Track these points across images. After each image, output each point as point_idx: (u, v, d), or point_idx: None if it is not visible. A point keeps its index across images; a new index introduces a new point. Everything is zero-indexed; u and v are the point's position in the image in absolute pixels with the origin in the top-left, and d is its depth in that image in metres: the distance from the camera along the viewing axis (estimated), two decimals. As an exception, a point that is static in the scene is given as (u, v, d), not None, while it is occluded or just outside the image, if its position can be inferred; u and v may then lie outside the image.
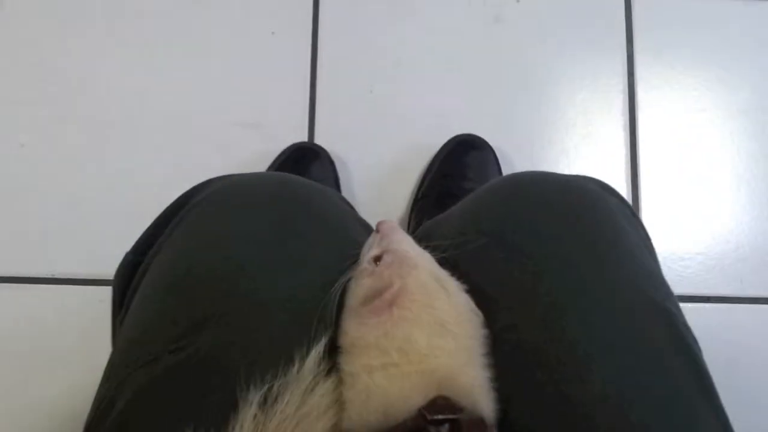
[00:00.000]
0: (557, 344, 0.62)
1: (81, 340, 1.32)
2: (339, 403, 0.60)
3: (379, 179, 1.43)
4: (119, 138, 1.43)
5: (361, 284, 0.67)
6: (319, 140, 1.42)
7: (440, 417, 0.54)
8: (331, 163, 1.39)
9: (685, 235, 1.45)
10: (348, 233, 0.78)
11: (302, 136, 1.42)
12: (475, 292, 0.69)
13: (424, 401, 0.56)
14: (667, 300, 0.68)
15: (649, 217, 1.42)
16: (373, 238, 0.74)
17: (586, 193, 0.75)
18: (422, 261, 0.69)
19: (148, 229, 0.78)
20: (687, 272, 1.42)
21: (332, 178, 1.36)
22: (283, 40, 1.45)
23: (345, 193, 1.39)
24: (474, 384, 0.61)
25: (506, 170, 1.41)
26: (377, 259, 0.69)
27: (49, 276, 1.38)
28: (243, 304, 0.64)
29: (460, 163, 1.35)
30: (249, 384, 0.57)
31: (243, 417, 0.56)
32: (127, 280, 0.75)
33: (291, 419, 0.57)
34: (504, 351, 0.65)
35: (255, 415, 0.56)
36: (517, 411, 0.61)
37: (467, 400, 0.57)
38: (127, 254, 0.78)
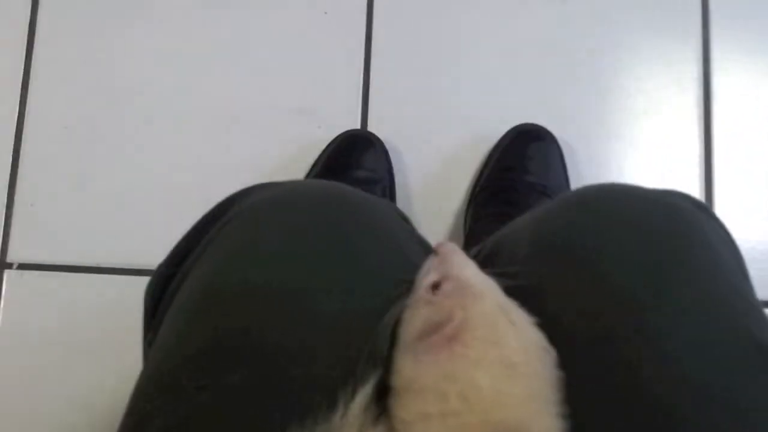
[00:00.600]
0: (642, 395, 0.56)
1: (119, 331, 1.28)
2: None
3: (435, 171, 1.38)
4: (167, 129, 1.42)
5: (417, 315, 0.60)
6: (373, 128, 1.38)
7: None
8: (385, 152, 1.34)
9: (762, 234, 1.34)
10: (404, 254, 0.71)
11: (355, 123, 1.39)
12: (546, 326, 0.61)
13: None
14: None
15: (721, 213, 1.32)
16: (431, 262, 0.66)
17: (682, 214, 0.67)
18: (487, 290, 0.62)
19: (182, 240, 0.73)
20: (762, 274, 1.32)
21: (385, 169, 1.33)
22: (337, 20, 1.41)
23: (399, 184, 1.35)
24: None
25: (570, 164, 1.34)
26: (436, 287, 0.61)
27: (91, 265, 1.36)
28: (281, 335, 0.59)
29: (522, 155, 1.30)
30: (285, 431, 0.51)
31: None
32: (159, 294, 0.71)
33: None
34: (581, 397, 0.58)
35: None
36: None
37: None
38: (160, 266, 0.73)
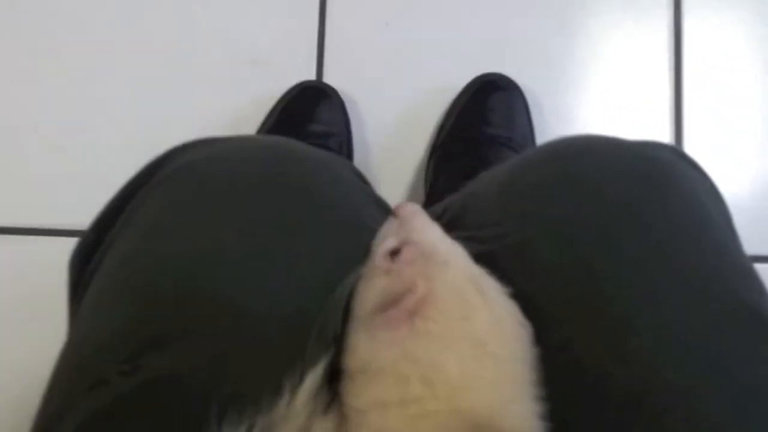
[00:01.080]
0: (627, 369, 0.50)
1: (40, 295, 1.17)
2: None
3: (394, 124, 1.30)
4: (112, 81, 1.31)
5: (373, 286, 0.53)
6: (329, 79, 1.29)
7: None
8: (342, 105, 1.26)
9: (733, 186, 1.28)
10: (359, 218, 0.63)
11: (310, 75, 1.29)
12: (520, 297, 0.55)
13: None
14: (762, 299, 0.55)
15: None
16: (389, 226, 0.58)
17: (664, 168, 0.60)
18: (453, 257, 0.55)
19: (109, 203, 0.64)
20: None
21: (342, 122, 1.25)
22: (289, -35, 1.32)
23: (356, 138, 1.27)
24: (522, 427, 0.48)
25: (536, 115, 1.27)
26: (395, 254, 0.53)
27: (30, 227, 1.27)
28: (217, 314, 0.51)
29: (484, 106, 1.22)
30: (221, 423, 0.46)
31: None
32: (83, 264, 0.62)
33: None
34: (559, 377, 0.52)
35: None
36: None
37: None
38: (88, 231, 0.64)
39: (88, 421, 0.48)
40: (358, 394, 0.49)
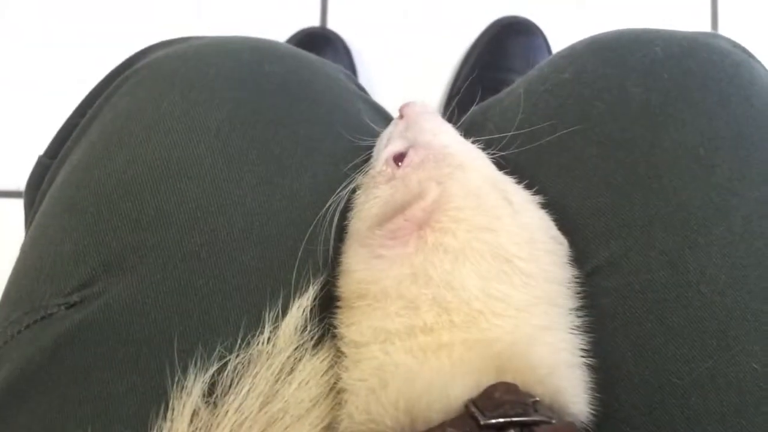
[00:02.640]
0: (694, 294, 0.41)
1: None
2: (334, 395, 0.40)
3: (405, 74, 1.21)
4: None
5: (374, 195, 0.45)
6: (333, 25, 1.21)
7: (501, 420, 0.33)
8: (348, 53, 1.18)
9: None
10: (355, 118, 0.54)
11: (313, 20, 1.21)
12: (554, 207, 0.46)
13: (476, 391, 0.36)
14: None
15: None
16: (393, 127, 0.48)
17: (723, 56, 0.50)
18: (471, 159, 0.45)
19: (71, 115, 0.56)
20: None
21: (348, 69, 1.12)
22: None
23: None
24: (557, 361, 0.39)
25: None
26: (400, 158, 0.44)
27: None
28: (183, 234, 0.43)
29: (504, 52, 1.14)
30: (186, 362, 0.39)
31: (175, 417, 0.37)
32: (37, 183, 0.54)
33: (253, 421, 0.37)
34: (604, 304, 0.43)
35: (195, 414, 0.38)
36: (628, 405, 0.41)
37: (545, 388, 0.37)
38: (41, 157, 0.56)
39: (28, 362, 0.41)
40: (357, 325, 0.41)
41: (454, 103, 1.10)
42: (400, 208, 0.41)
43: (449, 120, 1.07)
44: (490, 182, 0.43)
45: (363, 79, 1.18)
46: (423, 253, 0.39)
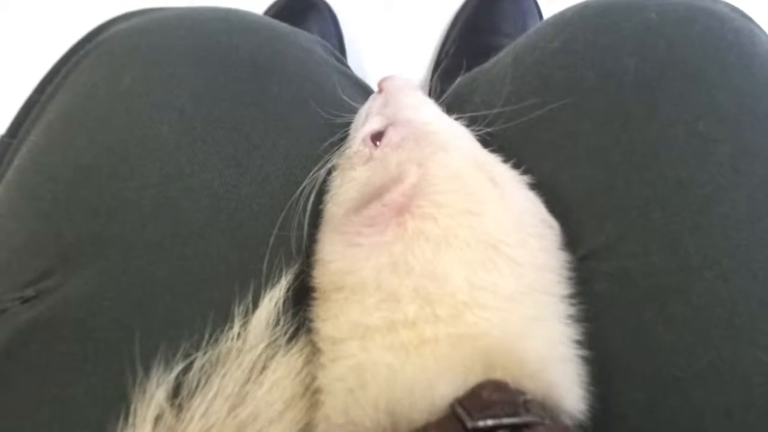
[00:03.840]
0: (695, 279, 0.38)
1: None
2: (309, 395, 0.37)
3: (391, 37, 1.17)
4: None
5: (350, 178, 0.42)
6: None
7: (490, 422, 0.31)
8: (334, 17, 1.13)
9: None
10: (330, 93, 0.50)
11: None
12: (544, 188, 0.43)
13: (462, 390, 0.33)
14: None
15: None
16: (372, 103, 0.45)
17: (722, 22, 0.47)
18: (453, 138, 0.42)
19: (31, 93, 0.52)
20: None
21: (335, 36, 1.12)
22: None
23: (350, 53, 1.15)
24: (549, 355, 0.36)
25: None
26: (378, 137, 0.41)
27: None
28: (146, 222, 0.40)
29: (494, 13, 1.10)
30: (150, 361, 0.36)
31: (138, 422, 0.34)
32: None
33: (221, 427, 0.34)
34: (599, 291, 0.40)
35: (159, 419, 0.35)
36: (627, 400, 0.39)
37: (537, 384, 0.34)
38: (2, 137, 0.52)
39: None
40: (333, 319, 0.38)
41: (440, 70, 1.08)
42: (379, 192, 0.38)
43: (434, 91, 1.05)
44: (474, 162, 0.40)
45: (351, 47, 1.14)
46: (403, 241, 0.37)
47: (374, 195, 0.38)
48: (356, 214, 0.38)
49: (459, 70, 1.04)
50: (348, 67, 0.58)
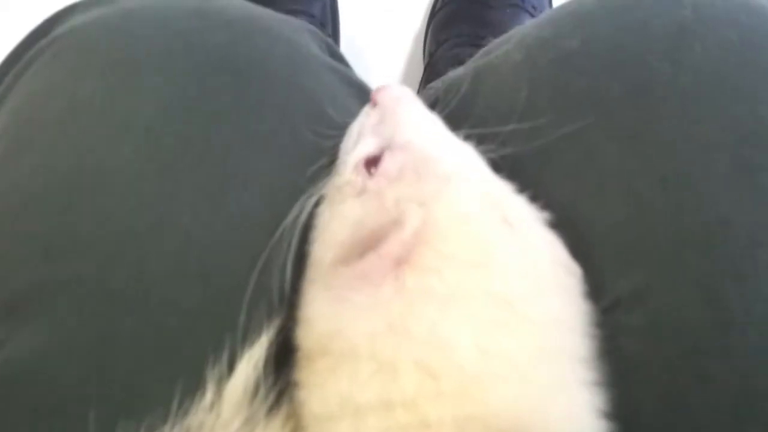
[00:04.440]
0: (738, 340, 0.33)
1: None
2: None
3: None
4: None
5: (341, 214, 0.36)
6: None
7: None
8: None
9: None
10: (320, 105, 0.44)
11: None
12: (566, 227, 0.37)
13: None
14: None
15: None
16: (365, 119, 0.40)
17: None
18: (461, 166, 0.36)
19: None
20: None
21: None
22: None
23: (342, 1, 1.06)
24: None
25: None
26: (372, 164, 0.35)
27: None
28: (103, 263, 0.34)
29: None
30: None
31: None
32: None
33: None
34: (626, 350, 0.35)
35: None
36: None
37: None
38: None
39: None
40: (320, 390, 0.32)
41: (437, 18, 1.00)
42: (373, 237, 0.33)
43: (426, 38, 0.98)
44: (485, 198, 0.35)
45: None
46: (402, 300, 0.31)
47: (368, 239, 0.33)
48: (347, 264, 0.33)
49: (455, 19, 0.98)
50: (343, 62, 0.52)
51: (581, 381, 0.33)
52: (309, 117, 0.41)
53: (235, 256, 0.35)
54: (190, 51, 0.40)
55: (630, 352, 0.34)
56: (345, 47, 0.98)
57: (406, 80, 1.05)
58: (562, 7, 0.47)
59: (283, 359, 0.34)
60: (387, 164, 0.35)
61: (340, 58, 0.53)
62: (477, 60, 0.51)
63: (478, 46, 0.55)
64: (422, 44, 1.05)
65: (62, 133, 0.37)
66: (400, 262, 0.32)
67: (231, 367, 0.33)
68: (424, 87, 0.91)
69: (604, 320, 0.35)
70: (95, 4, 0.45)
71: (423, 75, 0.99)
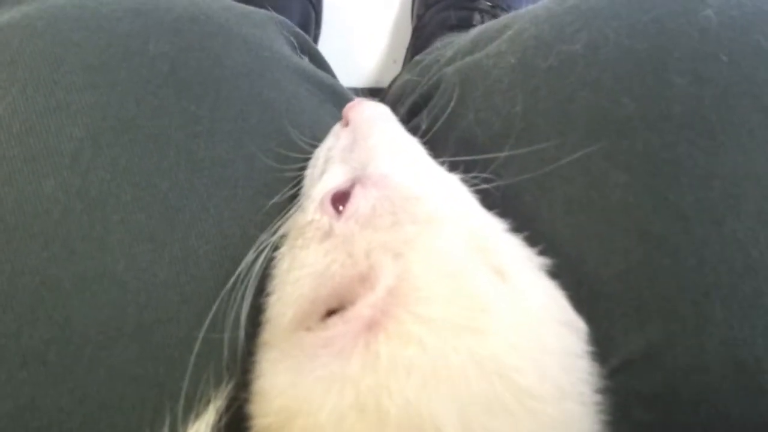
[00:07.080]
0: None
1: None
2: None
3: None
4: None
5: (302, 262, 0.31)
6: None
7: None
8: None
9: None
10: (281, 125, 0.38)
11: None
12: (570, 274, 0.31)
13: None
14: None
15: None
16: (334, 142, 0.34)
17: None
18: (444, 203, 0.31)
19: None
20: None
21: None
22: None
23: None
24: None
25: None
26: (341, 200, 0.30)
27: None
28: (21, 323, 0.29)
29: None
30: None
31: None
32: None
33: None
34: (637, 422, 0.30)
35: None
36: None
37: None
38: None
39: None
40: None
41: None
42: (339, 294, 0.27)
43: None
44: (472, 243, 0.29)
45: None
46: (374, 373, 0.26)
47: (333, 296, 0.28)
48: (308, 329, 0.27)
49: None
50: (316, 58, 0.46)
51: (587, 464, 0.28)
52: (268, 139, 0.36)
53: (180, 310, 0.30)
54: (128, 61, 0.35)
55: (643, 423, 0.29)
56: (329, 9, 0.93)
57: (393, 44, 0.98)
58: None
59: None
60: (358, 203, 0.30)
61: (312, 54, 0.47)
62: (464, 54, 0.45)
63: (469, 9, 0.49)
64: (410, 6, 0.98)
65: None
66: (372, 327, 0.26)
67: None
68: (411, 52, 0.85)
69: (614, 385, 0.30)
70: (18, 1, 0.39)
71: (411, 39, 0.93)
